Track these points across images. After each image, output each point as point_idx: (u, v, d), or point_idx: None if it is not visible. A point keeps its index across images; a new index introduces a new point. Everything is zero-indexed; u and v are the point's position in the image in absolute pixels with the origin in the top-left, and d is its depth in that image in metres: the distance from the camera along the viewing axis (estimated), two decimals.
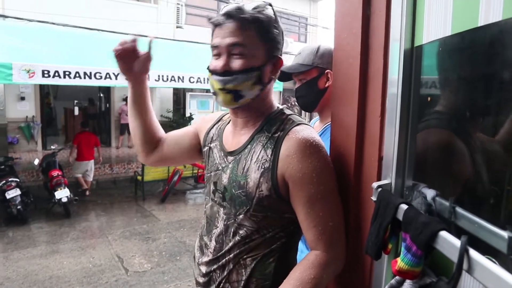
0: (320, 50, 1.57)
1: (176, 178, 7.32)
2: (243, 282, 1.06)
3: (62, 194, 5.99)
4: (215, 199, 1.15)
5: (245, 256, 1.07)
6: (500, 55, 0.70)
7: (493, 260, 0.57)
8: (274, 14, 1.08)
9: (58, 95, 13.19)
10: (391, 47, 0.89)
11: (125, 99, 11.04)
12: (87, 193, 7.51)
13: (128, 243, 5.23)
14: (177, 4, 11.54)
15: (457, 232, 0.70)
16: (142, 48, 1.33)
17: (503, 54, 0.69)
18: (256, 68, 1.04)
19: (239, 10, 1.02)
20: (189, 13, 12.18)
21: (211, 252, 1.13)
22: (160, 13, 11.11)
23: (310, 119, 2.22)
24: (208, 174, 1.21)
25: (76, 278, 4.17)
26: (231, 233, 1.09)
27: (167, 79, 6.88)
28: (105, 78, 6.20)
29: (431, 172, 0.91)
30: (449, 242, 0.62)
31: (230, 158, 1.12)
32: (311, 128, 1.08)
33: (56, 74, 5.73)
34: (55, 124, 12.87)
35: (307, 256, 1.01)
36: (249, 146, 1.09)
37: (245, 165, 1.07)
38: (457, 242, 0.59)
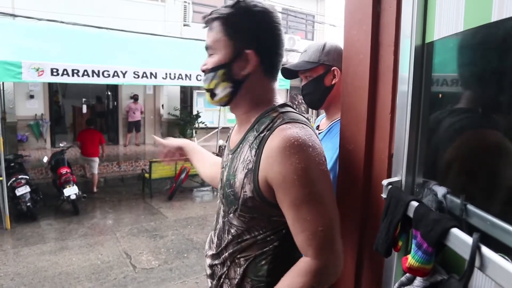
0: (326, 47, 1.56)
1: (183, 175, 7.34)
2: (237, 280, 1.07)
3: (71, 191, 6.05)
4: (220, 196, 1.17)
5: (238, 256, 1.07)
6: None
7: (506, 258, 0.57)
8: (249, 8, 1.02)
9: (67, 93, 13.29)
10: (401, 43, 0.89)
11: (132, 97, 11.12)
12: (94, 189, 7.59)
13: (136, 240, 5.26)
14: (184, 2, 11.56)
15: (468, 229, 0.69)
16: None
17: None
18: (222, 65, 1.04)
19: (212, 11, 1.05)
20: (196, 11, 12.20)
21: (214, 247, 1.16)
22: (168, 11, 11.15)
23: (317, 116, 2.22)
24: (220, 171, 1.23)
25: (85, 275, 4.21)
26: (226, 231, 1.10)
27: (174, 77, 6.89)
28: (113, 76, 6.23)
29: (443, 169, 0.91)
30: (460, 239, 0.61)
31: (230, 156, 1.12)
32: (301, 126, 0.98)
33: (65, 72, 5.77)
34: (63, 122, 12.97)
35: (297, 263, 0.97)
36: (241, 145, 1.07)
37: (235, 164, 1.05)
38: (469, 240, 0.59)
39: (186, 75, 7.03)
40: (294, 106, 1.14)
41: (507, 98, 0.72)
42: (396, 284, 0.77)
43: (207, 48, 1.07)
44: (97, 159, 7.66)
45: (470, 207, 0.72)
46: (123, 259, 4.65)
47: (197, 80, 7.16)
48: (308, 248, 0.93)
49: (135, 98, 11.09)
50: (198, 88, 11.42)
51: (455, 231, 0.63)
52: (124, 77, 6.31)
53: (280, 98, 1.14)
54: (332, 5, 15.35)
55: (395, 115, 0.93)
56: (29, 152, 9.01)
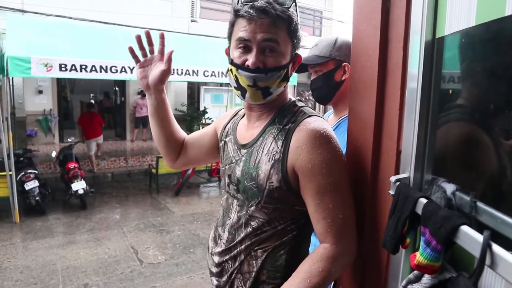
0: (338, 42, 1.55)
1: (190, 171, 7.37)
2: (254, 273, 1.07)
3: (79, 186, 6.11)
4: (230, 191, 1.17)
5: (256, 248, 1.08)
6: None
7: None
8: (297, 10, 1.08)
9: (75, 88, 13.41)
10: (411, 39, 0.87)
11: (140, 93, 11.15)
12: (95, 169, 8.44)
13: (143, 235, 5.30)
14: None
15: (478, 227, 0.68)
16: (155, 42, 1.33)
17: None
18: (285, 65, 1.05)
19: (271, 5, 0.99)
20: (203, 7, 12.18)
21: (224, 243, 1.15)
22: (175, 6, 11.15)
23: (324, 112, 2.20)
24: (223, 168, 1.23)
25: (92, 269, 4.25)
26: (243, 224, 1.10)
27: (182, 73, 6.90)
28: (121, 71, 6.26)
29: (451, 166, 0.90)
30: (470, 237, 0.60)
31: (243, 151, 1.13)
32: (322, 120, 1.07)
33: (73, 68, 5.81)
34: (71, 117, 13.07)
35: (316, 249, 1.01)
36: (261, 138, 1.10)
37: (257, 157, 1.07)
38: (479, 237, 0.58)
39: (193, 71, 7.03)
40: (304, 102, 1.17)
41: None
42: (404, 282, 0.76)
43: (269, 41, 1.00)
44: (100, 139, 8.60)
45: (480, 204, 0.71)
46: (130, 253, 4.69)
47: (204, 76, 7.16)
48: (328, 235, 0.99)
49: (142, 94, 11.14)
50: (205, 84, 11.42)
51: (465, 228, 0.62)
52: (131, 72, 6.34)
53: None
54: (340, 1, 15.25)
55: (403, 111, 0.92)
56: (37, 147, 9.11)
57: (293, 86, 11.41)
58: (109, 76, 6.24)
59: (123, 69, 6.29)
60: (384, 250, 0.93)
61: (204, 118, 11.03)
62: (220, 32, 7.76)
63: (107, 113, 12.63)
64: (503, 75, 0.71)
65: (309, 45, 1.77)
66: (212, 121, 11.65)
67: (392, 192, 0.87)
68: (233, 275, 1.12)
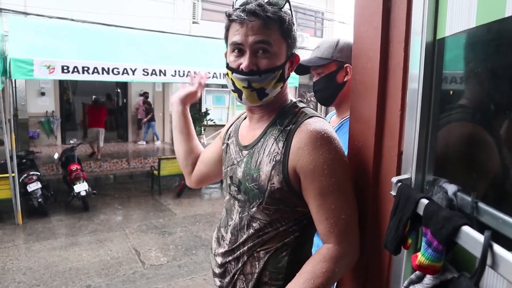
0: (339, 44, 1.55)
1: None
2: (256, 274, 1.08)
3: (81, 187, 6.12)
4: (231, 192, 1.17)
5: (258, 249, 1.08)
6: None
7: None
8: (291, 10, 1.07)
9: (77, 90, 13.44)
10: (412, 40, 0.87)
11: (142, 95, 11.18)
12: (98, 156, 9.13)
13: (145, 236, 5.30)
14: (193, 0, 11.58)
15: (479, 227, 0.69)
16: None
17: None
18: (280, 66, 1.05)
19: (262, 7, 1.00)
20: (205, 8, 12.21)
21: (226, 244, 1.15)
22: (177, 8, 11.18)
23: (326, 113, 2.21)
24: (225, 170, 1.23)
25: (95, 270, 4.26)
26: (245, 226, 1.10)
27: (183, 75, 6.92)
28: (123, 73, 6.28)
29: (453, 167, 0.90)
30: (472, 237, 0.61)
31: (245, 152, 1.14)
32: (323, 120, 1.07)
33: (75, 69, 5.83)
34: (73, 119, 13.12)
35: (319, 250, 1.01)
36: (262, 139, 1.10)
37: (258, 158, 1.08)
38: (480, 237, 0.58)
39: (195, 72, 7.02)
40: (305, 104, 1.17)
41: None
42: (406, 282, 0.76)
43: (261, 43, 1.01)
44: (102, 130, 9.24)
45: (481, 204, 0.71)
46: (132, 255, 4.69)
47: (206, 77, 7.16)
48: (331, 235, 0.99)
49: (144, 96, 11.18)
50: (207, 85, 11.42)
51: (466, 228, 0.62)
52: (133, 74, 6.36)
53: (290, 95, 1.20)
54: (341, 2, 15.26)
55: (405, 112, 0.92)
56: (40, 149, 9.14)
57: (294, 88, 11.42)
58: (111, 78, 6.26)
59: (125, 71, 6.30)
60: (386, 251, 0.93)
61: (206, 120, 11.05)
62: (221, 33, 7.77)
63: (109, 115, 12.66)
64: (504, 75, 0.71)
65: (310, 46, 1.77)
66: (214, 122, 11.58)
67: (393, 193, 0.87)
68: (236, 276, 1.12)
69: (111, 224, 5.78)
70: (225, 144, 1.27)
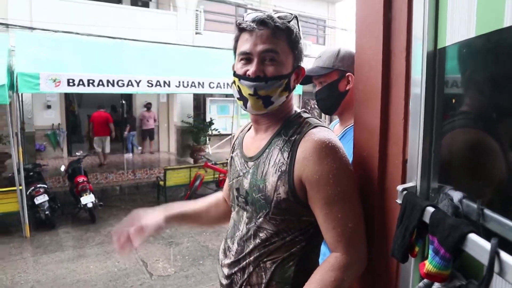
0: (340, 53, 1.57)
1: (198, 182, 7.39)
2: (263, 285, 1.08)
3: (88, 199, 6.14)
4: (239, 203, 1.18)
5: (265, 259, 1.08)
6: None
7: None
8: (298, 25, 1.11)
9: (82, 103, 13.54)
10: (413, 49, 0.89)
11: (146, 106, 11.26)
12: (105, 162, 9.76)
13: (152, 247, 5.30)
14: (196, 10, 11.70)
15: (486, 234, 0.69)
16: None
17: None
18: (286, 75, 1.07)
19: (271, 18, 1.04)
20: (208, 19, 12.33)
21: (233, 255, 1.16)
22: (180, 20, 11.30)
23: (330, 121, 2.22)
24: (230, 182, 1.24)
25: (102, 282, 4.26)
26: (252, 236, 1.11)
27: (187, 85, 6.98)
28: (127, 85, 6.35)
29: (458, 174, 0.90)
30: (478, 245, 0.61)
31: (250, 163, 1.15)
32: (328, 130, 1.08)
33: (81, 82, 5.91)
34: (79, 131, 13.20)
35: (327, 259, 1.01)
36: (267, 150, 1.11)
37: (263, 169, 1.09)
38: (487, 245, 0.59)
39: (199, 83, 7.10)
40: (309, 112, 1.18)
41: None
42: None
43: (268, 52, 1.03)
44: (108, 138, 9.68)
45: (487, 211, 0.71)
46: (140, 266, 4.69)
47: (210, 87, 7.23)
48: (338, 244, 1.00)
49: (147, 107, 11.28)
50: (211, 95, 11.51)
51: (472, 236, 0.63)
52: (138, 86, 6.43)
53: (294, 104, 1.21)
54: (343, 9, 15.35)
55: (408, 120, 0.93)
56: (46, 161, 9.22)
57: (298, 95, 11.46)
58: (116, 90, 6.32)
59: (130, 83, 6.37)
60: (393, 259, 0.93)
61: (211, 129, 11.09)
62: (224, 43, 7.82)
63: (115, 126, 12.74)
64: (503, 83, 0.72)
65: (313, 54, 1.80)
66: (219, 132, 11.61)
67: (399, 201, 0.88)
68: (242, 287, 1.12)
69: None
70: (230, 158, 1.29)
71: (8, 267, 4.62)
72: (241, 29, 1.08)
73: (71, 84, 5.82)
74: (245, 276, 1.11)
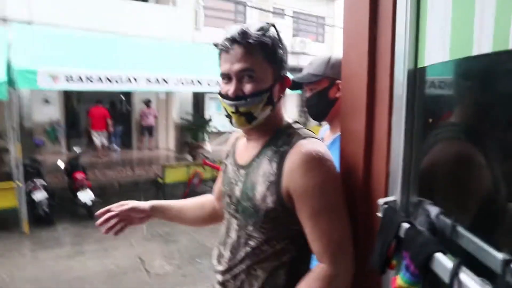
0: (331, 61, 1.59)
1: (196, 180, 7.43)
2: None
3: (86, 196, 6.16)
4: (230, 211, 1.21)
5: (256, 267, 1.10)
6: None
7: (487, 281, 0.60)
8: (278, 34, 1.10)
9: (81, 98, 13.53)
10: (396, 67, 0.91)
11: (145, 102, 11.27)
12: (100, 156, 10.19)
13: (150, 245, 5.34)
14: (196, 6, 11.68)
15: (460, 251, 0.72)
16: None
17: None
18: (266, 90, 1.07)
19: (244, 34, 1.04)
20: (207, 15, 12.31)
21: (225, 262, 1.18)
22: (179, 16, 11.27)
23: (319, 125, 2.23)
24: (224, 189, 1.26)
25: (100, 279, 4.30)
26: (242, 244, 1.13)
27: (186, 83, 6.99)
28: (126, 82, 6.35)
29: (436, 189, 0.93)
30: (442, 265, 0.64)
31: (242, 171, 1.17)
32: (317, 142, 1.09)
33: (79, 79, 5.91)
34: (78, 127, 13.21)
35: (314, 269, 1.04)
36: (257, 159, 1.13)
37: (253, 178, 1.11)
38: (449, 265, 0.62)
39: (198, 81, 7.11)
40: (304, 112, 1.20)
41: (491, 122, 0.75)
42: None
43: (244, 70, 1.05)
44: (104, 133, 10.21)
45: (460, 229, 0.74)
46: (137, 264, 4.73)
47: (208, 85, 7.23)
48: (324, 255, 1.02)
49: (147, 104, 11.29)
50: (210, 92, 11.51)
51: (438, 256, 0.66)
52: (136, 83, 6.43)
53: (292, 104, 1.21)
54: (342, 7, 15.30)
55: (391, 135, 0.95)
56: (45, 156, 9.22)
57: (298, 95, 11.47)
58: (114, 87, 6.33)
59: (129, 80, 6.37)
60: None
61: (209, 127, 11.10)
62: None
63: (114, 122, 12.77)
64: (479, 104, 0.75)
65: (312, 52, 1.83)
66: (217, 129, 11.54)
67: (380, 214, 0.91)
68: None
69: None
70: (224, 165, 1.31)
71: (6, 263, 4.66)
72: (219, 49, 1.10)
73: (69, 80, 5.82)
74: (238, 283, 1.13)
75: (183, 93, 11.09)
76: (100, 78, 6.10)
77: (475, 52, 0.62)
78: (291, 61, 10.60)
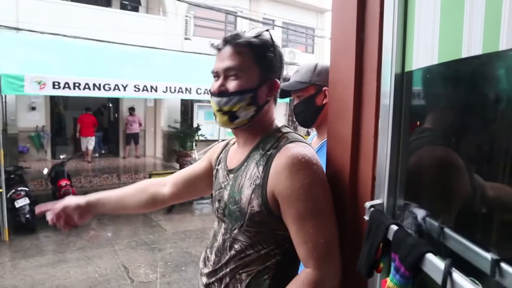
0: (317, 68, 1.61)
1: None
2: None
3: None
4: (218, 215, 1.20)
5: (240, 271, 1.09)
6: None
7: (477, 282, 0.59)
8: (272, 39, 1.13)
9: (68, 105, 13.38)
10: (383, 71, 0.92)
11: (129, 110, 11.23)
12: (89, 159, 10.59)
13: (134, 253, 5.25)
14: (186, 16, 11.72)
15: (448, 252, 0.72)
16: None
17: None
18: (250, 90, 1.09)
19: (236, 36, 1.09)
20: (197, 24, 12.35)
21: (211, 265, 1.17)
22: (169, 25, 11.29)
23: (308, 134, 2.26)
24: (214, 194, 1.26)
25: None
26: (228, 247, 1.12)
27: (175, 91, 6.97)
28: (114, 89, 6.31)
29: (423, 192, 0.93)
30: (434, 265, 0.64)
31: (231, 175, 1.17)
32: (304, 145, 1.08)
33: (66, 85, 5.85)
34: (64, 134, 13.03)
35: (300, 274, 1.03)
36: (245, 163, 1.13)
37: (240, 181, 1.11)
38: (442, 265, 0.61)
39: (186, 89, 7.10)
40: (292, 121, 1.21)
41: (476, 125, 0.75)
42: None
43: (230, 69, 1.08)
44: (93, 138, 10.59)
45: (447, 230, 0.74)
46: (121, 272, 4.64)
47: (197, 93, 7.23)
48: (310, 260, 1.00)
49: (130, 112, 11.27)
50: (199, 101, 11.51)
51: (430, 256, 0.65)
52: (125, 90, 6.40)
53: (280, 112, 1.23)
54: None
55: (378, 138, 0.96)
56: (29, 164, 9.04)
57: (285, 104, 11.53)
58: (102, 93, 6.28)
59: (116, 87, 6.34)
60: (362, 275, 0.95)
61: (197, 135, 11.05)
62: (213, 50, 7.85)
63: (100, 130, 12.64)
64: (465, 107, 0.76)
65: (301, 63, 1.84)
66: (205, 137, 11.53)
67: (367, 217, 0.90)
68: None
69: (100, 241, 5.72)
70: (215, 170, 1.30)
71: None
72: (214, 49, 1.15)
73: (56, 87, 5.76)
74: (222, 286, 1.12)
75: (171, 101, 11.04)
76: (87, 85, 6.04)
77: (464, 54, 0.62)
78: None
